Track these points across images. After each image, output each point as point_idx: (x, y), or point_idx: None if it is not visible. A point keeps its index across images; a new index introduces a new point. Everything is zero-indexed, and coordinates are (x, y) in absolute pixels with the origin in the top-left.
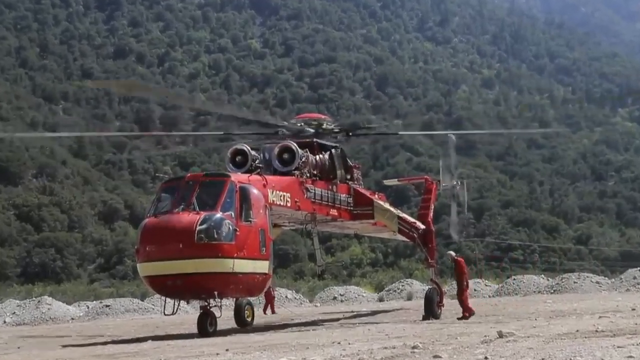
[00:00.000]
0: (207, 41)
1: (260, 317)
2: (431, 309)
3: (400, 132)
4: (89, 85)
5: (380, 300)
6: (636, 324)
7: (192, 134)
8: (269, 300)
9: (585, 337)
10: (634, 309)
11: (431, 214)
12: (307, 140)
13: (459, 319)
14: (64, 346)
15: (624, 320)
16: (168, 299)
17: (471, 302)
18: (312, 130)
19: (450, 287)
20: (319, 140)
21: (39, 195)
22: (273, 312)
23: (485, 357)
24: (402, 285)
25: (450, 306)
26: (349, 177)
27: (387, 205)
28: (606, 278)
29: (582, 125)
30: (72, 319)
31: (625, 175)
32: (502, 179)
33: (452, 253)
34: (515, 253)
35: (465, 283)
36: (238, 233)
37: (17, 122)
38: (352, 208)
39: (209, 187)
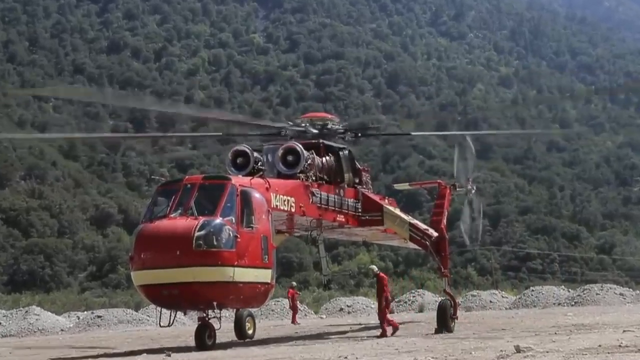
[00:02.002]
0: (207, 35)
1: (261, 328)
2: (444, 322)
3: (412, 133)
4: None
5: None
6: None
7: (190, 135)
8: (294, 310)
9: (609, 353)
10: None
11: (445, 221)
12: (313, 141)
13: (379, 337)
14: (53, 359)
15: None
16: (164, 310)
17: (487, 315)
18: (318, 131)
19: (464, 298)
20: (325, 142)
21: (27, 199)
22: (294, 322)
23: None
24: (413, 297)
25: (465, 319)
26: (357, 180)
27: (397, 211)
28: (630, 290)
29: (606, 126)
30: (62, 330)
31: None
32: (520, 183)
33: (374, 268)
34: (533, 263)
35: (386, 300)
36: (239, 240)
37: (4, 121)
38: (360, 214)
39: (208, 190)
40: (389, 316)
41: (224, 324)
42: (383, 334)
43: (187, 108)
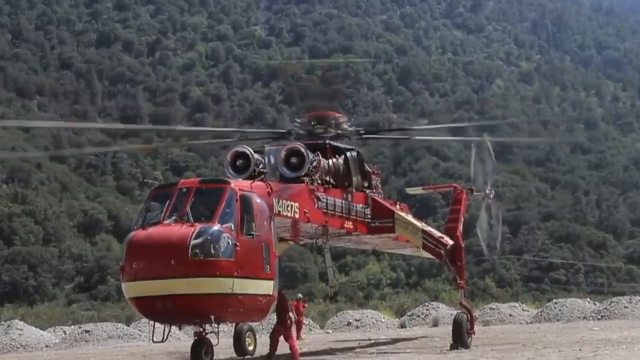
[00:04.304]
0: (204, 27)
1: (262, 344)
2: (460, 337)
3: (428, 138)
4: None
5: (402, 326)
6: None
7: (187, 129)
8: (299, 325)
9: None
10: None
11: (461, 228)
12: (319, 142)
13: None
14: None
15: None
16: (157, 324)
17: (506, 329)
18: (324, 131)
19: (481, 311)
20: (332, 142)
21: (10, 204)
22: (298, 337)
23: None
24: (427, 310)
25: (482, 334)
26: (366, 184)
27: (410, 217)
28: None
29: (634, 126)
30: (47, 346)
31: None
32: (542, 187)
33: None
34: (556, 273)
35: (288, 319)
36: (238, 248)
37: None
38: (369, 220)
39: (205, 195)
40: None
41: (222, 340)
42: (294, 353)
43: (184, 126)
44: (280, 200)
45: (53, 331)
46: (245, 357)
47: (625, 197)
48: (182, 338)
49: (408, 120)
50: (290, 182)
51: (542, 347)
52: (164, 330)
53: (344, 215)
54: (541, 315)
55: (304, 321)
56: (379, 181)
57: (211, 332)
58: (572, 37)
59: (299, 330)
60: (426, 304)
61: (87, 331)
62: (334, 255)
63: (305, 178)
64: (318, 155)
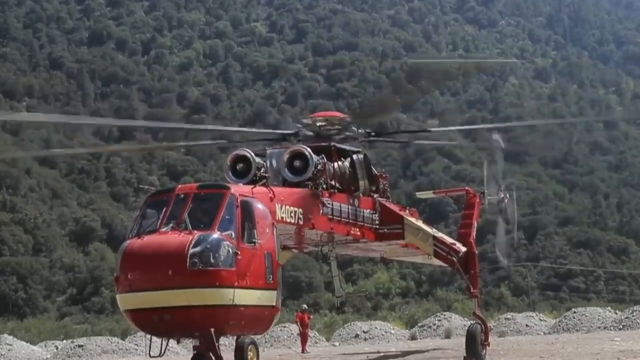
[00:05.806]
0: (202, 24)
1: (265, 358)
2: (474, 349)
3: (433, 129)
4: None
5: (413, 338)
6: None
7: (184, 145)
8: (304, 337)
9: None
10: None
11: (474, 234)
12: (323, 144)
13: None
14: None
15: None
16: (154, 338)
17: (522, 341)
18: (329, 132)
19: (496, 322)
20: (337, 144)
21: None
22: (303, 350)
23: None
24: (439, 320)
25: (497, 345)
26: (374, 188)
27: (420, 223)
28: None
29: None
30: None
31: None
32: (559, 190)
33: None
34: (575, 280)
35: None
36: (239, 257)
37: None
38: (377, 226)
39: (204, 201)
40: None
41: (223, 354)
42: None
43: (179, 123)
44: (283, 206)
45: (44, 346)
46: None
47: None
48: (181, 352)
49: (418, 121)
50: (293, 186)
51: (561, 358)
52: (162, 344)
53: (350, 221)
54: (559, 326)
55: (309, 333)
56: (387, 185)
57: None
58: (590, 32)
59: (304, 343)
60: (438, 314)
61: (80, 346)
62: (340, 263)
63: (309, 182)
64: (323, 158)
